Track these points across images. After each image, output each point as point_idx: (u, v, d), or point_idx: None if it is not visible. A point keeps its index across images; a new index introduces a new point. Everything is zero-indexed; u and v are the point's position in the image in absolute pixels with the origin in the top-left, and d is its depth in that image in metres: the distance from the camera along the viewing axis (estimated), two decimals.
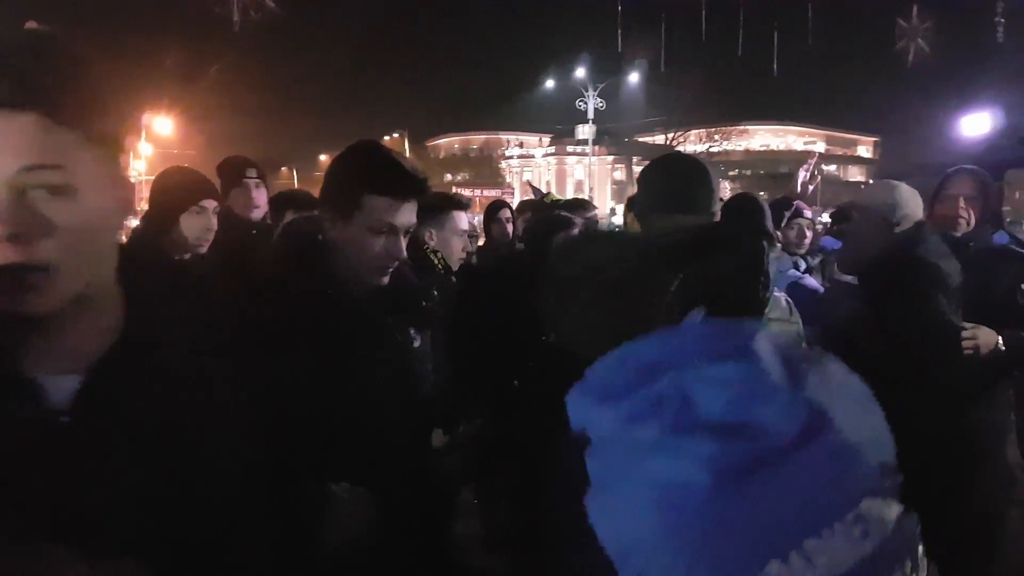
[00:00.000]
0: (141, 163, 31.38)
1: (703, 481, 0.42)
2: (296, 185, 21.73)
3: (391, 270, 1.37)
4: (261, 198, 2.73)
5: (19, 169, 0.67)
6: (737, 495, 0.42)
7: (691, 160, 1.72)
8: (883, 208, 2.27)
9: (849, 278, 2.47)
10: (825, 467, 0.42)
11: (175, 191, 2.20)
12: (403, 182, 1.35)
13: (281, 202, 2.75)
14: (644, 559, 0.44)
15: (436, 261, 2.43)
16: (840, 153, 56.44)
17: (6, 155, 0.66)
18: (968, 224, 2.42)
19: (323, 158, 44.05)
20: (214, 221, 2.22)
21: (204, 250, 2.23)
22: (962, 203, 2.42)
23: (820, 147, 55.89)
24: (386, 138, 50.73)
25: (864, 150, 59.77)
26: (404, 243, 1.37)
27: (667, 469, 0.43)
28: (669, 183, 1.58)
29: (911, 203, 2.23)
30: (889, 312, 2.10)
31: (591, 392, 0.50)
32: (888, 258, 2.14)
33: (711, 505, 0.42)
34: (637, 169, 42.23)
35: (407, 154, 43.33)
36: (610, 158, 44.40)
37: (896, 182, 2.38)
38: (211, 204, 2.21)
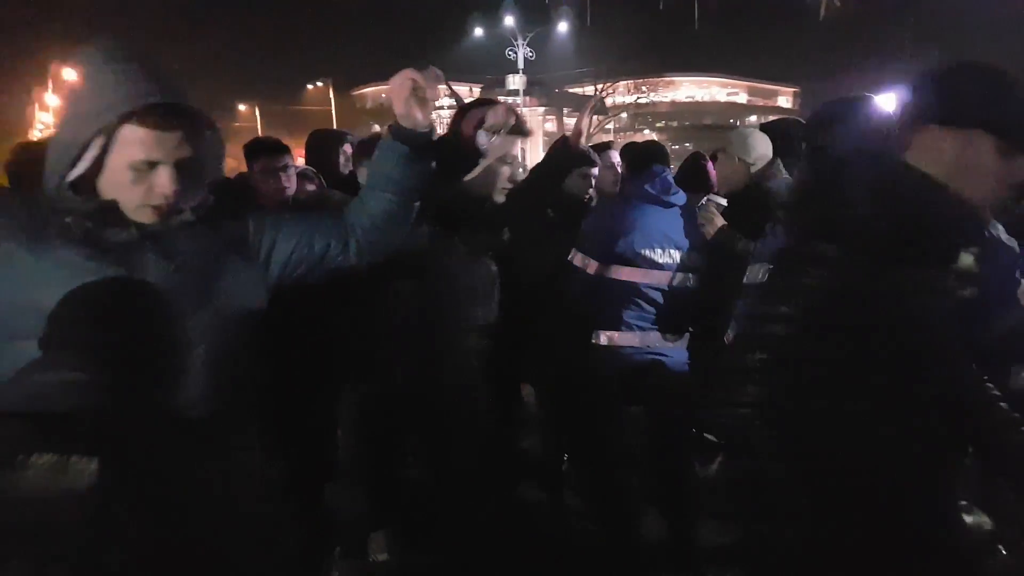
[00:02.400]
0: (48, 115, 31.56)
1: None
2: None
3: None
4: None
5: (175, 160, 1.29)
6: None
7: None
8: (739, 150, 2.92)
9: (722, 200, 3.06)
10: None
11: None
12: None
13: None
14: None
15: None
16: (761, 104, 57.84)
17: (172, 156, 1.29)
18: None
19: (242, 108, 44.41)
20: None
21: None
22: None
23: (742, 98, 59.23)
24: (309, 87, 48.58)
25: (784, 100, 61.86)
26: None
27: None
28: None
29: (763, 146, 2.84)
30: (745, 229, 2.62)
31: None
32: (745, 190, 2.82)
33: None
34: (568, 121, 42.35)
35: (332, 104, 36.76)
36: (541, 109, 44.58)
37: (752, 129, 3.01)
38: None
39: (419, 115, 1.49)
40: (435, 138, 1.56)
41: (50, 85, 31.80)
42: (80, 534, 0.85)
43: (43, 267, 1.23)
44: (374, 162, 1.55)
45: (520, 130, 2.05)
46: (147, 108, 1.22)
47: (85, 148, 1.25)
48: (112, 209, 1.29)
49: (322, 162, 3.23)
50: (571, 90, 45.43)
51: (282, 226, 1.52)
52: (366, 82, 60.01)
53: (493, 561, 2.15)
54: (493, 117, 1.75)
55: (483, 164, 1.93)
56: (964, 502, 1.33)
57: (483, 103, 1.86)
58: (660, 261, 2.71)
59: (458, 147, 1.78)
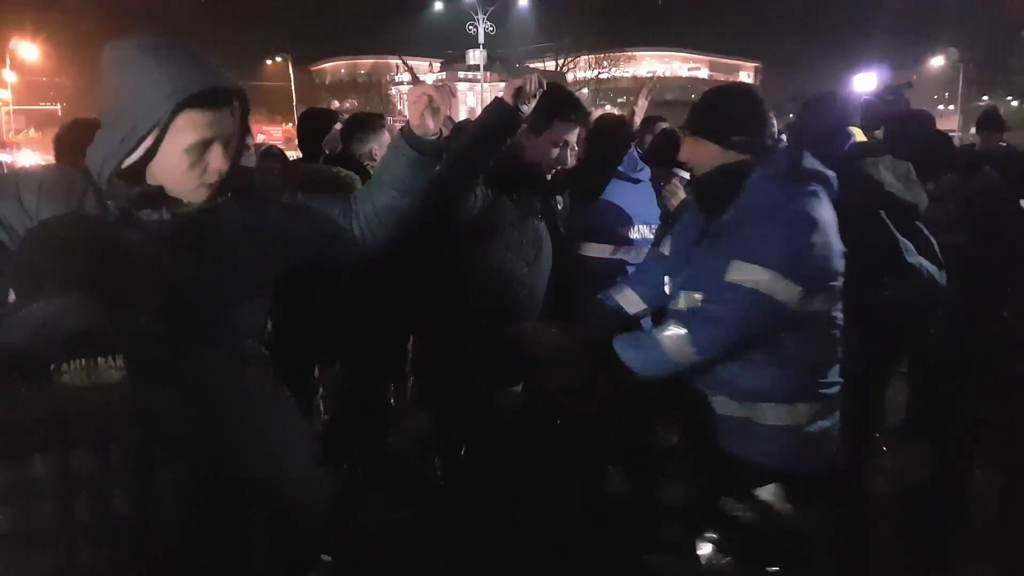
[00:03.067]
0: (6, 91, 32.14)
1: None
2: None
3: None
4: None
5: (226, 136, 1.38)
6: None
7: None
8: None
9: (685, 174, 3.05)
10: None
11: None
12: None
13: None
14: None
15: None
16: (723, 79, 57.97)
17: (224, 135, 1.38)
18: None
19: None
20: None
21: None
22: None
23: (704, 73, 60.29)
24: (268, 62, 48.99)
25: (746, 75, 62.07)
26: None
27: None
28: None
29: None
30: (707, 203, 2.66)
31: None
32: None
33: None
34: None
35: (291, 79, 40.24)
36: (502, 84, 43.91)
37: None
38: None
39: (430, 124, 1.60)
40: (441, 141, 1.64)
41: (8, 61, 32.11)
42: (122, 419, 1.03)
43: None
44: (385, 160, 1.67)
45: (581, 119, 2.27)
46: (201, 94, 1.30)
47: (142, 139, 1.31)
48: (156, 195, 1.37)
49: (314, 140, 3.45)
50: (532, 64, 44.52)
51: (296, 211, 1.64)
52: (325, 57, 60.35)
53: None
54: (528, 85, 1.94)
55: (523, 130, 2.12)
56: None
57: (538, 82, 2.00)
58: (631, 237, 2.73)
59: (502, 113, 1.96)
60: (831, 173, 1.88)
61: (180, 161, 1.34)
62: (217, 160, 1.37)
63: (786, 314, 1.76)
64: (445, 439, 2.52)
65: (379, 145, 3.24)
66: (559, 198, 2.48)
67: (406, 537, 2.65)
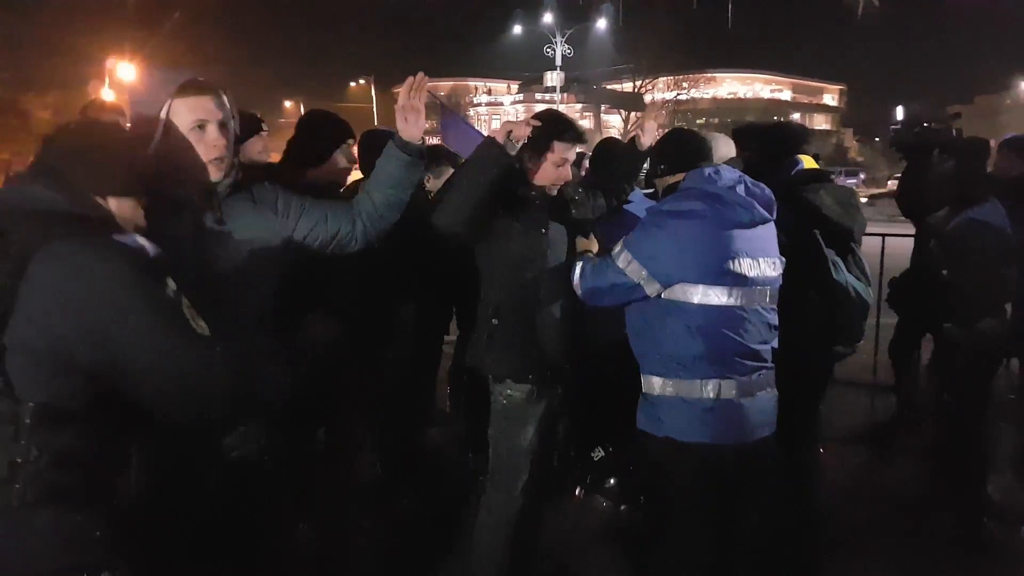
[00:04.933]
0: None
1: None
2: None
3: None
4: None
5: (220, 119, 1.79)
6: None
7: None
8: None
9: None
10: None
11: (330, 129, 2.81)
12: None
13: None
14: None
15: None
16: (806, 101, 60.57)
17: (215, 116, 1.80)
18: None
19: (288, 104, 46.88)
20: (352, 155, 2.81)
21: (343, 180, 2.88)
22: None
23: (787, 95, 60.11)
24: (352, 84, 53.41)
25: (830, 98, 63.27)
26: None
27: None
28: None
29: (723, 148, 3.19)
30: None
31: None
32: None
33: None
34: (606, 117, 45.46)
35: (374, 101, 48.75)
36: (578, 106, 43.92)
37: (715, 134, 3.45)
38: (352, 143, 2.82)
39: (415, 132, 2.08)
40: (424, 147, 2.11)
41: (107, 80, 35.21)
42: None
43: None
44: (381, 165, 2.10)
45: (579, 138, 2.56)
46: (185, 83, 1.77)
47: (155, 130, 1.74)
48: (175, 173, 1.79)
49: (372, 158, 3.28)
50: (609, 86, 45.88)
51: (306, 206, 2.02)
52: (405, 80, 74.60)
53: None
54: (515, 130, 2.31)
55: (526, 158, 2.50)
56: None
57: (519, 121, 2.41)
58: None
59: (490, 148, 2.34)
60: (726, 195, 2.21)
61: (187, 139, 1.79)
62: (215, 137, 1.78)
63: (638, 289, 2.23)
64: (477, 437, 2.88)
65: (438, 177, 3.75)
66: (573, 209, 2.73)
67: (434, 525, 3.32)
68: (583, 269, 2.42)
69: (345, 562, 2.87)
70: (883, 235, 5.35)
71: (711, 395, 2.20)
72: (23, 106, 29.15)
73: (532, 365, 2.54)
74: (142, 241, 1.47)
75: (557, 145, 2.54)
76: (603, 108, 45.42)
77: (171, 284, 1.44)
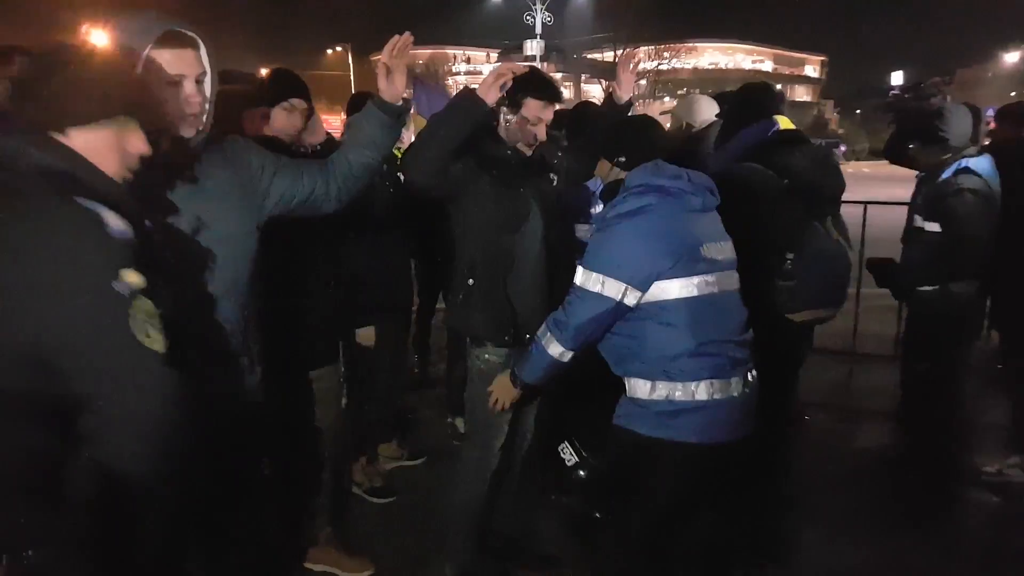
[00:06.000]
0: None
1: None
2: None
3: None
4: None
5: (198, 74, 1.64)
6: None
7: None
8: (684, 115, 3.58)
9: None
10: None
11: (270, 86, 2.66)
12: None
13: None
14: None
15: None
16: (788, 72, 59.57)
17: (192, 70, 1.66)
18: None
19: (264, 72, 55.29)
20: (301, 120, 2.64)
21: (302, 147, 2.70)
22: None
23: (768, 66, 58.77)
24: (329, 52, 50.45)
25: (811, 69, 62.77)
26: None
27: None
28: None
29: (707, 111, 3.39)
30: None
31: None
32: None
33: None
34: (586, 87, 44.18)
35: (351, 68, 46.51)
36: (559, 75, 41.61)
37: (699, 96, 3.64)
38: (300, 104, 2.64)
39: (396, 92, 2.02)
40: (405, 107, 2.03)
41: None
42: None
43: None
44: (357, 126, 2.05)
45: (555, 97, 2.48)
46: (165, 34, 1.63)
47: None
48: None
49: None
50: (590, 56, 46.08)
51: (281, 165, 1.97)
52: (383, 47, 73.29)
53: None
54: (505, 76, 2.27)
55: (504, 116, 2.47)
56: None
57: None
58: None
59: (469, 99, 2.26)
60: (672, 184, 2.16)
61: (163, 92, 1.64)
62: (192, 94, 1.69)
63: (620, 306, 2.09)
64: (460, 402, 2.81)
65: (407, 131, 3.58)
66: (553, 176, 2.66)
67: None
68: (553, 321, 2.24)
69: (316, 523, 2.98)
70: (864, 202, 5.43)
71: (702, 396, 2.12)
72: None
73: (508, 327, 2.53)
74: (109, 217, 1.20)
75: (532, 102, 2.48)
76: (583, 78, 45.12)
77: (129, 279, 1.19)
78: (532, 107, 2.50)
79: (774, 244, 2.75)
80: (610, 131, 2.44)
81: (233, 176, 1.88)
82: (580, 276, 2.18)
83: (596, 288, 2.14)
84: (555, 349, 2.24)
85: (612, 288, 2.12)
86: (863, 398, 4.80)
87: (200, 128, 1.77)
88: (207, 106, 1.77)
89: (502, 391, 2.47)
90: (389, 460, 3.85)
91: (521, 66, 2.37)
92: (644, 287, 2.12)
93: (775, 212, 2.72)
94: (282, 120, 2.66)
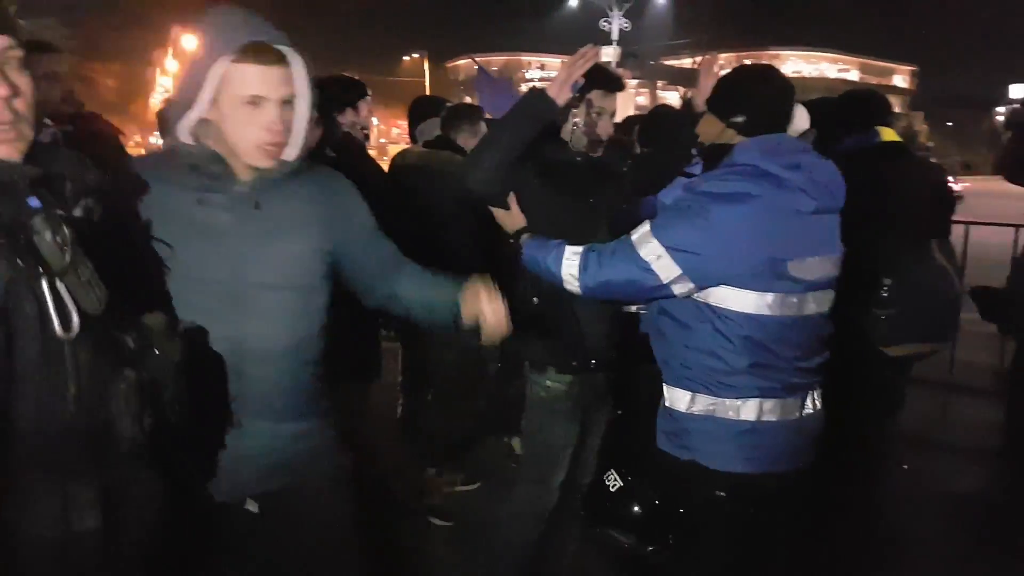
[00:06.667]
0: (168, 79, 32.27)
1: None
2: None
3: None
4: None
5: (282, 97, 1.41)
6: None
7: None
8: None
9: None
10: None
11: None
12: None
13: None
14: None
15: None
16: (875, 83, 53.78)
17: (277, 92, 1.40)
18: None
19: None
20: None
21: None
22: None
23: (854, 75, 55.60)
24: (405, 58, 53.01)
25: (900, 79, 59.13)
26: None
27: None
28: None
29: (799, 119, 2.58)
30: None
31: None
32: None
33: None
34: (662, 94, 41.45)
35: (427, 75, 46.67)
36: (634, 82, 38.46)
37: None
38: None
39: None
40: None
41: (170, 50, 32.52)
42: None
43: (165, 213, 1.41)
44: (435, 295, 1.73)
45: (617, 85, 2.35)
46: (249, 45, 1.37)
47: (199, 91, 1.39)
48: (218, 158, 1.45)
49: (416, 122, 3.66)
50: (667, 62, 43.20)
51: (374, 238, 1.72)
52: (459, 54, 58.14)
53: None
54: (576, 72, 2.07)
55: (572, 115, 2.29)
56: None
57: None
58: None
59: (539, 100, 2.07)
60: (786, 176, 1.79)
61: (235, 114, 1.41)
62: (270, 120, 1.41)
63: (663, 289, 1.81)
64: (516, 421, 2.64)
65: (474, 135, 3.41)
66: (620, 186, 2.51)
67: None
68: (586, 260, 1.92)
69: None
70: (967, 222, 5.02)
71: (750, 416, 1.83)
72: (88, 74, 29.20)
73: (574, 353, 2.34)
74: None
75: (593, 93, 2.33)
76: (659, 84, 42.58)
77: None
78: (594, 96, 2.35)
79: (870, 269, 2.48)
80: (730, 82, 2.04)
81: (311, 218, 1.58)
82: (638, 234, 1.85)
83: (648, 258, 1.82)
84: (569, 276, 1.95)
85: (665, 268, 1.81)
86: (963, 434, 4.43)
87: (282, 158, 1.49)
88: (295, 135, 1.49)
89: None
90: (447, 483, 3.70)
91: (590, 51, 2.08)
92: (702, 285, 1.83)
93: (871, 233, 2.43)
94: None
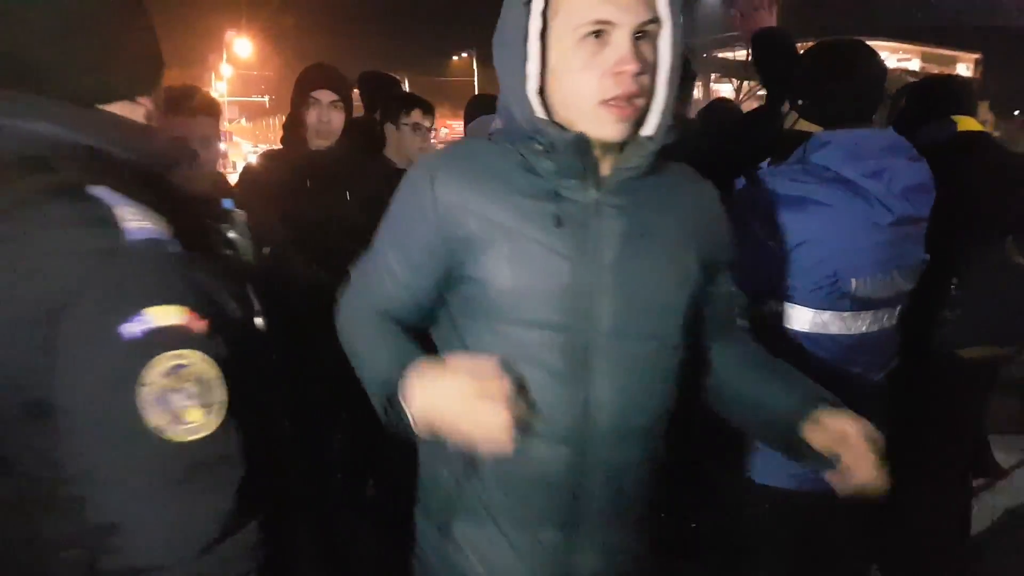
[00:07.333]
0: (223, 84, 32.35)
1: None
2: None
3: None
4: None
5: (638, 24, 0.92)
6: None
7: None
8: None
9: None
10: None
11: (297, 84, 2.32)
12: None
13: None
14: None
15: None
16: (937, 72, 50.54)
17: (631, 15, 0.92)
18: None
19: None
20: (327, 113, 2.30)
21: (324, 144, 2.31)
22: None
23: (915, 64, 49.79)
24: (454, 58, 51.01)
25: (964, 68, 55.42)
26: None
27: None
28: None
29: None
30: None
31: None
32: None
33: None
34: (716, 86, 42.11)
35: (475, 75, 42.39)
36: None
37: None
38: (325, 96, 2.30)
39: None
40: None
41: (224, 55, 32.72)
42: None
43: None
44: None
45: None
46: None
47: (526, 33, 0.93)
48: (585, 142, 0.95)
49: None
50: (720, 55, 42.93)
51: (724, 282, 1.19)
52: None
53: None
54: None
55: None
56: None
57: None
58: None
59: None
60: (866, 184, 1.55)
61: (570, 59, 0.93)
62: (623, 54, 0.91)
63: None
64: None
65: None
66: None
67: None
68: None
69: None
70: None
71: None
72: None
73: None
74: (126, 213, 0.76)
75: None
76: (712, 77, 41.97)
77: (156, 316, 0.74)
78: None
79: (939, 268, 2.37)
80: (799, 57, 1.81)
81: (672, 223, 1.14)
82: None
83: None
84: None
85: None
86: None
87: (642, 132, 1.03)
88: (659, 89, 1.01)
89: None
90: None
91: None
92: (754, 298, 1.59)
93: (940, 230, 2.35)
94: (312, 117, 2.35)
